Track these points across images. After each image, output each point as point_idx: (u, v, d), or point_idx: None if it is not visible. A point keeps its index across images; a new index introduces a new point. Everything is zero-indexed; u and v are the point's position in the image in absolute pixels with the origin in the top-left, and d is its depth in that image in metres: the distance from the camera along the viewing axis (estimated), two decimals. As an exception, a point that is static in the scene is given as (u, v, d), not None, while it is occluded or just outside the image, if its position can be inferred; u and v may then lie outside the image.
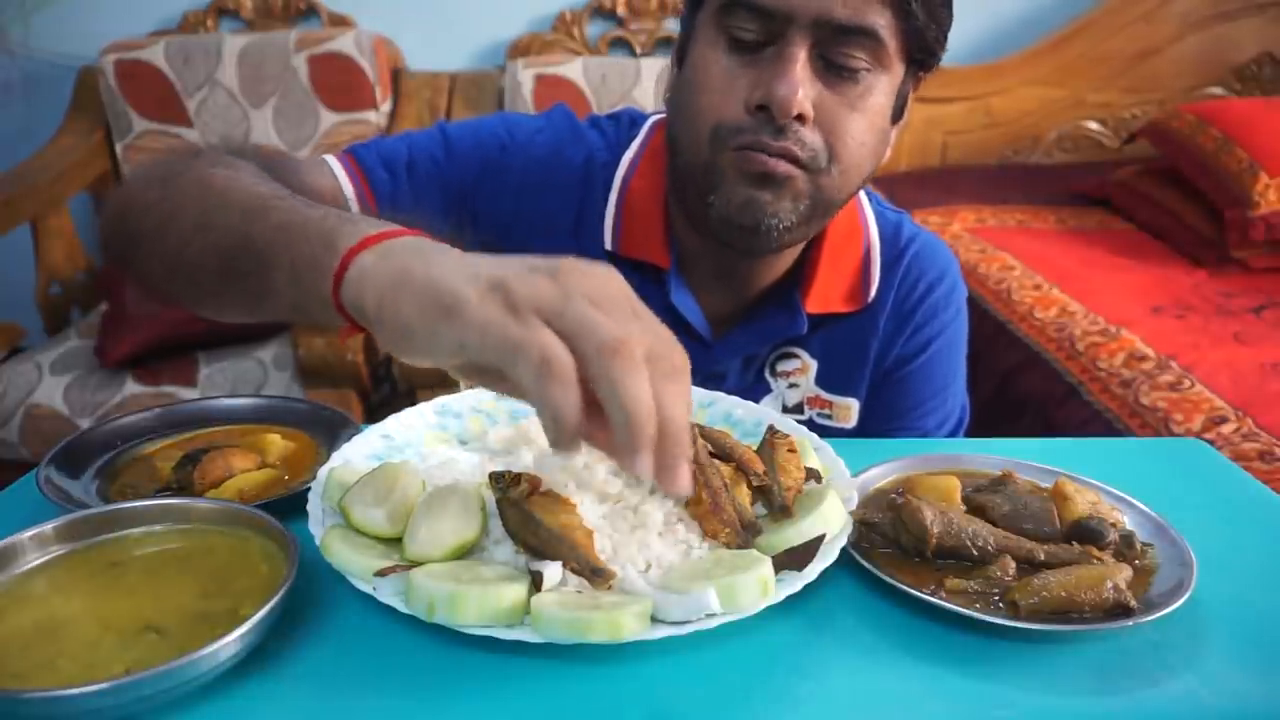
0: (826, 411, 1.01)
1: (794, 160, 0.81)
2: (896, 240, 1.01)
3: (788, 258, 0.96)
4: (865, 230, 1.00)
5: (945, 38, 0.83)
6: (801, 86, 0.78)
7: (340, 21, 2.64)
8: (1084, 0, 2.81)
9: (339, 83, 2.44)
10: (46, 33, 2.59)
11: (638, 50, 2.70)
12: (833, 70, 0.80)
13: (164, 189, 0.74)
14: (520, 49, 2.67)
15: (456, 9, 2.66)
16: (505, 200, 0.95)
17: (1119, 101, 2.88)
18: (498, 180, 0.95)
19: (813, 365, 1.00)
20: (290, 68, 2.44)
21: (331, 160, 0.92)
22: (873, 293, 0.98)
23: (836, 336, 0.99)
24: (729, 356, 0.98)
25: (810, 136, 0.81)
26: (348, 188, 0.91)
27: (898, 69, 0.83)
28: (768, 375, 1.01)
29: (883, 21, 0.78)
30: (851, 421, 1.02)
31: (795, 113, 0.79)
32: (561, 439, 0.49)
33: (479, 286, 0.50)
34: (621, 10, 2.69)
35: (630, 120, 1.03)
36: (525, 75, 2.49)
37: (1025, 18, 2.84)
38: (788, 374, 1.00)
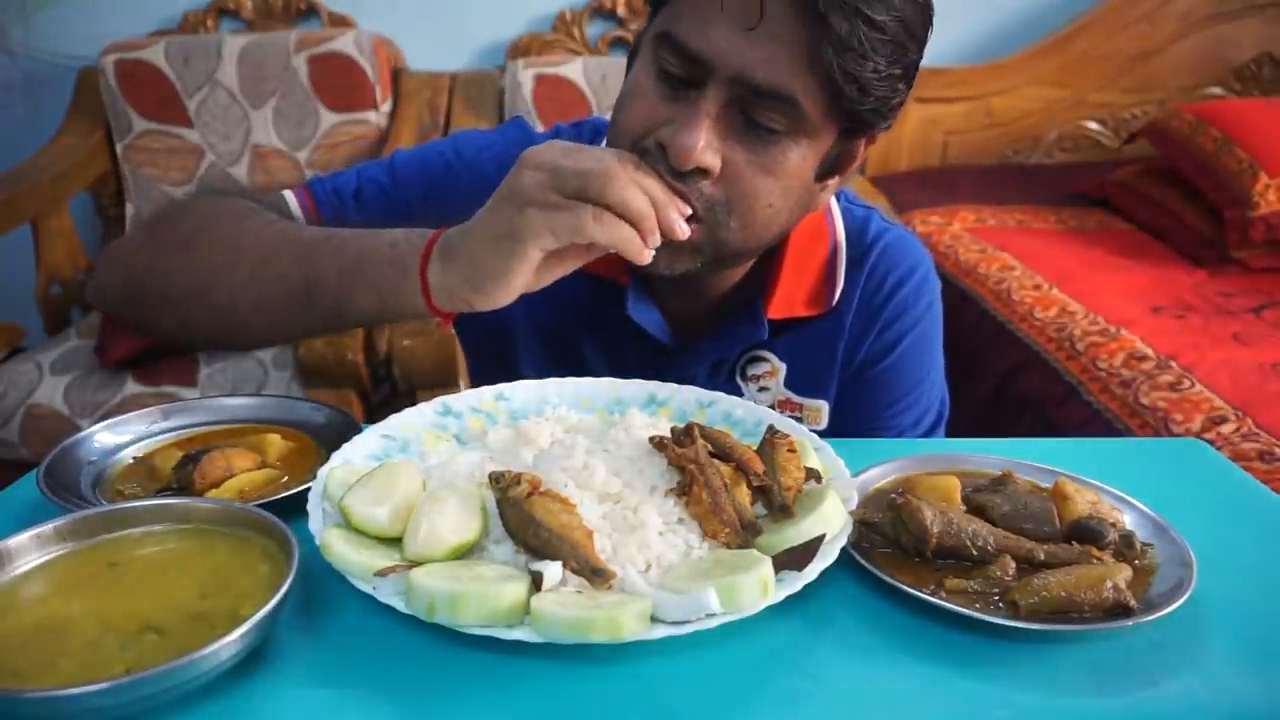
0: (797, 414, 1.01)
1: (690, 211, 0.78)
2: (862, 238, 1.00)
3: (745, 266, 0.95)
4: (831, 231, 0.99)
5: (889, 108, 0.78)
6: (704, 140, 0.76)
7: (340, 21, 2.64)
8: (1084, 0, 2.81)
9: (339, 83, 2.44)
10: (46, 33, 2.60)
11: (638, 50, 2.70)
12: (750, 128, 0.77)
13: (188, 252, 0.85)
14: (520, 49, 2.67)
15: (456, 9, 2.66)
16: (452, 216, 0.95)
17: (1119, 101, 2.88)
18: (444, 198, 0.96)
19: (782, 368, 1.00)
20: (290, 68, 2.44)
21: (289, 194, 0.96)
22: (836, 295, 0.97)
23: (803, 339, 0.99)
24: (695, 363, 0.98)
25: (709, 190, 0.78)
26: (299, 219, 0.95)
27: (824, 134, 0.79)
28: (738, 379, 1.01)
29: (805, 88, 0.75)
30: (822, 423, 1.02)
31: (691, 166, 0.76)
32: (639, 250, 0.71)
33: (516, 212, 0.70)
34: (621, 10, 2.69)
35: (593, 129, 1.02)
36: (525, 75, 2.49)
37: (1026, 17, 2.84)
38: (757, 378, 1.00)
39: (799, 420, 1.01)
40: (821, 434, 0.99)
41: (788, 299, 0.96)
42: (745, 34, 0.74)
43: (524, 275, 0.72)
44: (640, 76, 0.82)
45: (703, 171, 0.77)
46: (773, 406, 1.01)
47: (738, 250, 0.85)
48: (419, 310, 0.76)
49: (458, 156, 0.98)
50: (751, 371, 1.00)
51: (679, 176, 0.78)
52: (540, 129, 1.05)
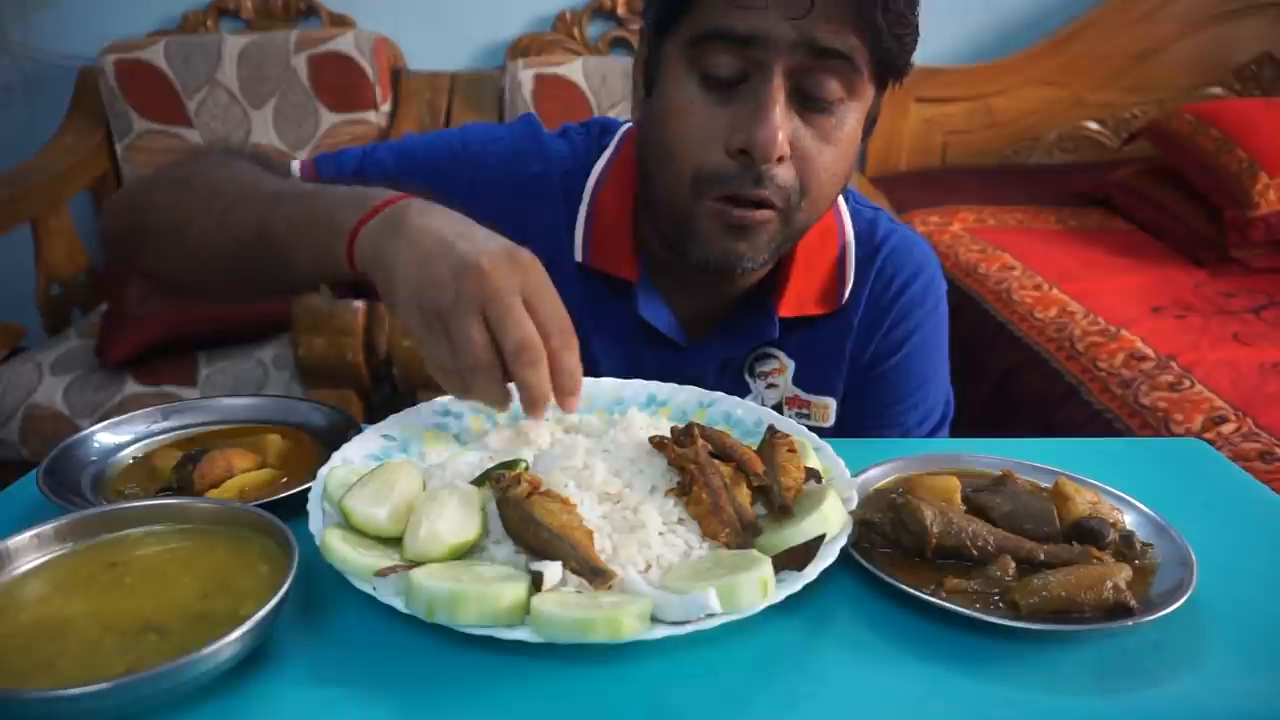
0: (805, 411, 1.01)
1: (767, 205, 0.82)
2: (871, 238, 1.01)
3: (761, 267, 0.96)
4: (840, 230, 0.99)
5: (911, 55, 0.82)
6: (782, 128, 0.78)
7: (340, 21, 2.64)
8: (1084, 1, 2.81)
9: (339, 83, 2.44)
10: (46, 33, 2.59)
11: (638, 50, 2.70)
12: (808, 103, 0.80)
13: (177, 192, 0.86)
14: (520, 49, 2.67)
15: (456, 9, 2.66)
16: (454, 208, 0.96)
17: (1119, 101, 2.88)
18: (448, 189, 0.94)
19: (790, 365, 1.00)
20: (290, 68, 2.44)
21: (294, 164, 0.96)
22: (846, 294, 0.98)
23: (812, 337, 0.99)
24: (705, 362, 0.99)
25: (786, 175, 0.81)
26: None
27: (868, 94, 0.83)
28: (746, 376, 1.01)
29: (857, 50, 0.78)
30: (829, 421, 1.02)
31: (778, 156, 0.78)
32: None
33: (409, 290, 0.67)
34: (621, 10, 2.69)
35: (601, 129, 1.02)
36: (525, 75, 2.49)
37: (1026, 18, 2.84)
38: (765, 375, 1.01)
39: (807, 417, 1.02)
40: (829, 431, 1.00)
41: (798, 297, 0.97)
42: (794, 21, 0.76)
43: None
44: (679, 93, 0.82)
45: (779, 159, 0.79)
46: (781, 404, 1.01)
47: (804, 228, 0.88)
48: (352, 275, 0.73)
49: (464, 148, 0.98)
50: (760, 369, 1.01)
51: (759, 180, 0.80)
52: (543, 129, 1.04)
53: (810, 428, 0.99)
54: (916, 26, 0.80)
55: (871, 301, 1.00)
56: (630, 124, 1.00)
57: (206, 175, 0.86)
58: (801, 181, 0.82)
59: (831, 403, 1.02)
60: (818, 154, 0.81)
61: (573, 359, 0.68)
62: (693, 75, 0.81)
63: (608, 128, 1.02)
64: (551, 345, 0.66)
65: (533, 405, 0.67)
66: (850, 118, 0.82)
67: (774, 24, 0.76)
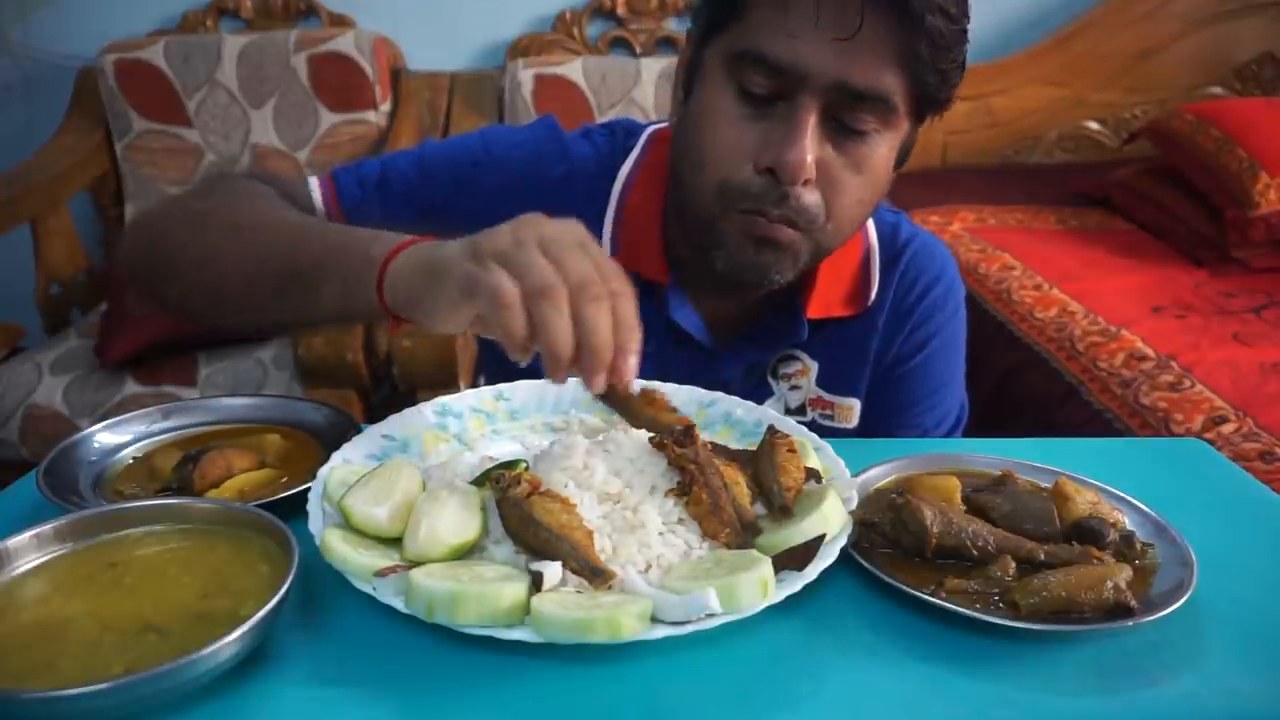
0: (828, 412, 1.02)
1: (792, 225, 0.82)
2: (894, 241, 1.01)
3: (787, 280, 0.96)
4: (864, 233, 1.00)
5: (953, 90, 0.82)
6: (811, 152, 0.78)
7: (340, 21, 2.64)
8: (1085, 0, 2.81)
9: (339, 83, 2.44)
10: (46, 33, 2.59)
11: (638, 50, 2.70)
12: (842, 131, 0.80)
13: (199, 229, 0.84)
14: (520, 49, 2.67)
15: (456, 9, 2.66)
16: (480, 213, 0.95)
17: (1120, 101, 2.87)
18: (471, 194, 0.95)
19: (813, 367, 1.00)
20: (290, 68, 2.44)
21: (312, 180, 0.95)
22: (872, 296, 0.98)
23: (837, 338, 1.00)
24: (733, 365, 0.99)
25: (810, 198, 0.81)
26: (319, 207, 0.94)
27: (904, 126, 0.83)
28: (770, 378, 1.01)
29: (896, 85, 0.77)
30: (853, 421, 1.02)
31: (804, 179, 0.78)
32: (514, 352, 0.62)
33: (460, 251, 0.63)
34: (621, 10, 2.69)
35: (626, 131, 1.02)
36: (525, 75, 2.49)
37: (1026, 17, 2.84)
38: (789, 376, 1.01)
39: (830, 418, 1.02)
40: (851, 432, 1.01)
41: (825, 299, 0.97)
42: (838, 43, 0.75)
43: (449, 321, 0.65)
44: (715, 101, 0.82)
45: (804, 181, 0.79)
46: (804, 405, 1.01)
47: (829, 250, 0.88)
48: (374, 306, 0.69)
49: (487, 154, 0.97)
50: (783, 370, 1.01)
51: (783, 200, 0.80)
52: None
53: (833, 429, 1.00)
54: (963, 61, 0.79)
55: (895, 303, 1.01)
56: (655, 126, 1.01)
57: (229, 211, 0.84)
58: (827, 206, 0.82)
59: (855, 404, 1.02)
60: (845, 180, 0.81)
61: (631, 310, 0.62)
62: (730, 86, 0.81)
63: (632, 130, 1.02)
64: (611, 287, 0.61)
65: (596, 355, 0.60)
66: (883, 147, 0.82)
67: (813, 56, 0.75)
